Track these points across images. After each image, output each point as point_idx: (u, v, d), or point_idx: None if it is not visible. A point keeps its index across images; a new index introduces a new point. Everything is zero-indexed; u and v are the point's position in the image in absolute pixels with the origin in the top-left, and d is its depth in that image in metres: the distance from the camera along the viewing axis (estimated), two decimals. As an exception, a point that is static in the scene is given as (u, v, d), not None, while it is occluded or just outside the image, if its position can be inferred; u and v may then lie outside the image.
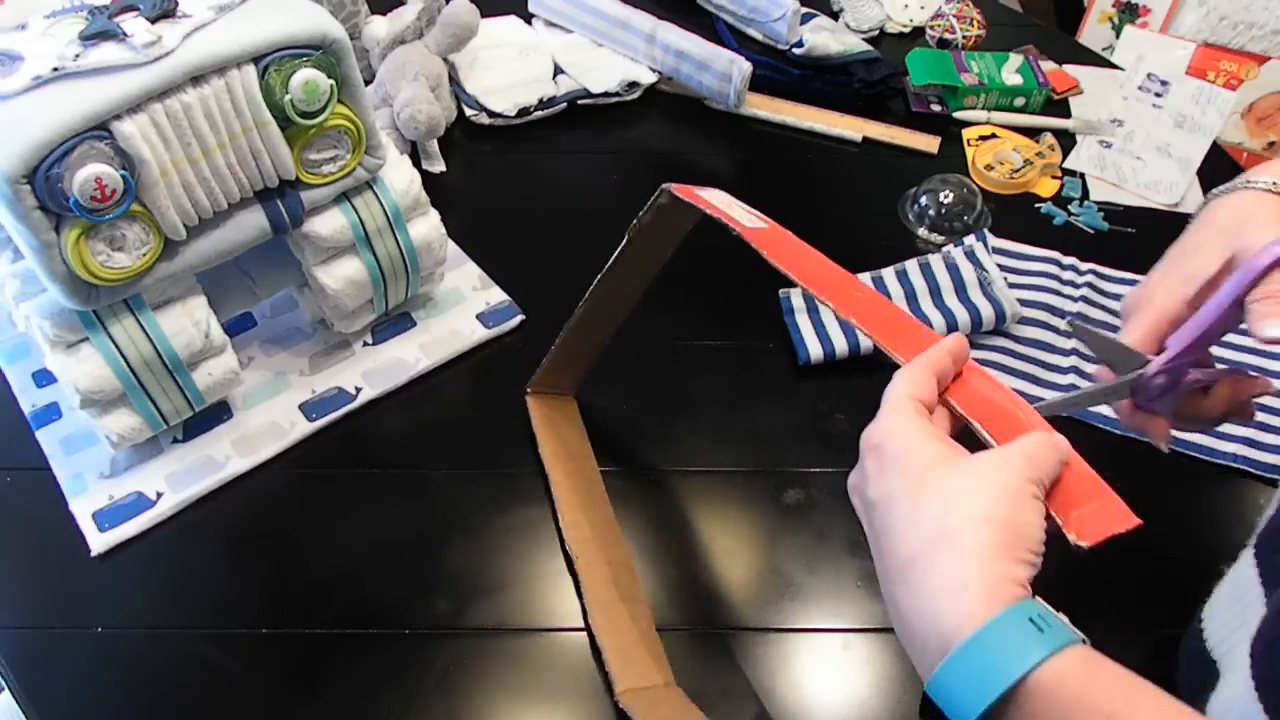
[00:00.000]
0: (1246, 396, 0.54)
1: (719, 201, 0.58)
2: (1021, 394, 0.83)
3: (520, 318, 0.86)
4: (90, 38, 0.60)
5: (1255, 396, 0.54)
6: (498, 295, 0.88)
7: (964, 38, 1.18)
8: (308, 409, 0.79)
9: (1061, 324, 0.86)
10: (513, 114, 1.05)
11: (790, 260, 0.51)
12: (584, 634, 0.67)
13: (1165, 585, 0.69)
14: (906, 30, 1.22)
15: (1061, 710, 0.34)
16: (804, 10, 1.15)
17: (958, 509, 0.38)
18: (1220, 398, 0.53)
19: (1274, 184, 0.51)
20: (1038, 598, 0.37)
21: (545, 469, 0.74)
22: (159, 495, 0.73)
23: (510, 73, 1.09)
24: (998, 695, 0.35)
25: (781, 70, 1.12)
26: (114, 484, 0.73)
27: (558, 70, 1.11)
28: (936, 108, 1.10)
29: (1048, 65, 1.14)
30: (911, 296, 0.87)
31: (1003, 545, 0.37)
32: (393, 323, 0.85)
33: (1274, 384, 0.49)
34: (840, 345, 0.83)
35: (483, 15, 1.04)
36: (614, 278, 0.67)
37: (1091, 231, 0.97)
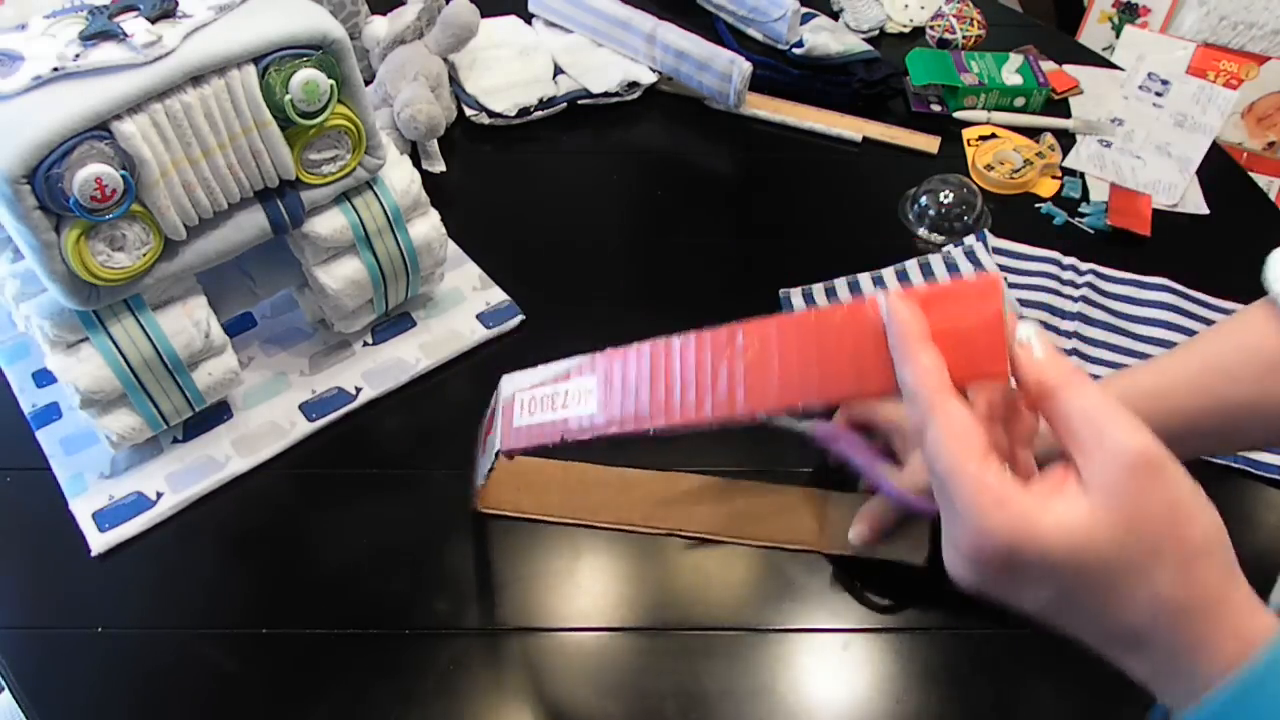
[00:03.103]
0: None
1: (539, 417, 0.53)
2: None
3: (520, 318, 0.86)
4: (90, 38, 0.60)
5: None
6: (498, 295, 0.88)
7: (964, 38, 1.18)
8: (308, 409, 0.79)
9: (1062, 324, 0.86)
10: (513, 114, 1.05)
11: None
12: (584, 634, 0.67)
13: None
14: (906, 30, 1.22)
15: None
16: (804, 10, 1.15)
17: (1157, 574, 0.34)
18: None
19: None
20: None
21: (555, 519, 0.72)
22: (159, 495, 0.73)
23: (510, 73, 1.09)
24: None
25: (781, 70, 1.12)
26: (114, 484, 0.73)
27: (558, 70, 1.11)
28: (936, 108, 1.10)
29: (1048, 65, 1.14)
30: (911, 296, 0.87)
31: (1219, 575, 0.34)
32: (393, 323, 0.85)
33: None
34: (840, 345, 0.83)
35: (483, 15, 1.04)
36: None
37: (1092, 232, 0.97)
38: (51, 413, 0.78)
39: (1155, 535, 0.34)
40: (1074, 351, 0.84)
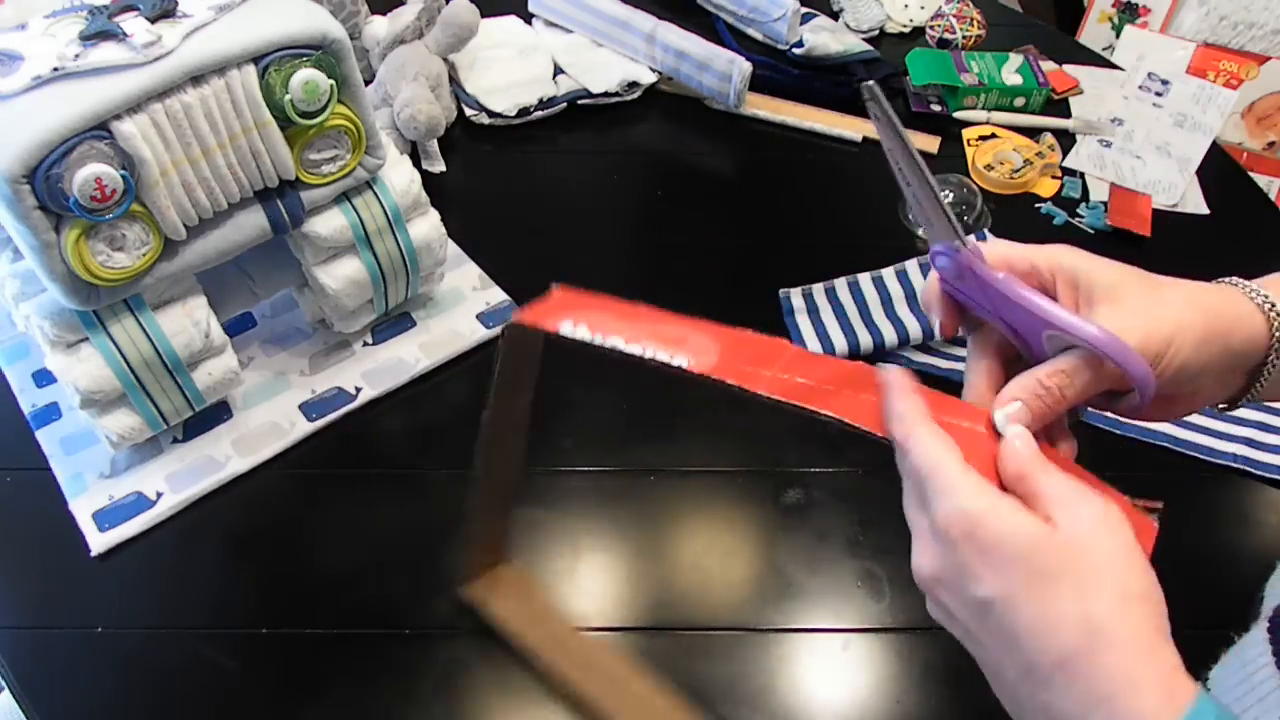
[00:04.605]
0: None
1: (590, 320, 0.50)
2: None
3: (520, 318, 0.86)
4: (90, 38, 0.60)
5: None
6: (498, 295, 0.88)
7: (964, 38, 1.18)
8: (308, 409, 0.79)
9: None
10: (513, 114, 1.05)
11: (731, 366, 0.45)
12: (583, 634, 0.67)
13: (1164, 586, 0.69)
14: (906, 30, 1.22)
15: None
16: (804, 10, 1.15)
17: (1096, 595, 0.35)
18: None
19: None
20: (1205, 690, 0.35)
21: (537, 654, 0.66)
22: (159, 495, 0.73)
23: (510, 73, 1.09)
24: None
25: (781, 70, 1.12)
26: (114, 484, 0.73)
27: (558, 70, 1.11)
28: (936, 108, 1.10)
29: (1048, 65, 1.14)
30: (911, 296, 0.87)
31: (1153, 625, 0.35)
32: (393, 323, 0.85)
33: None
34: (840, 345, 0.83)
35: (483, 15, 1.04)
36: (491, 445, 0.60)
37: (1092, 231, 0.97)
38: (51, 413, 0.78)
39: (1102, 565, 0.35)
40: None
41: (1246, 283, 0.45)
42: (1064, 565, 0.35)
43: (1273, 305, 0.43)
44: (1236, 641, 0.50)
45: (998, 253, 0.44)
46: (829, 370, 0.44)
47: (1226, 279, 0.46)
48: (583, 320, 0.50)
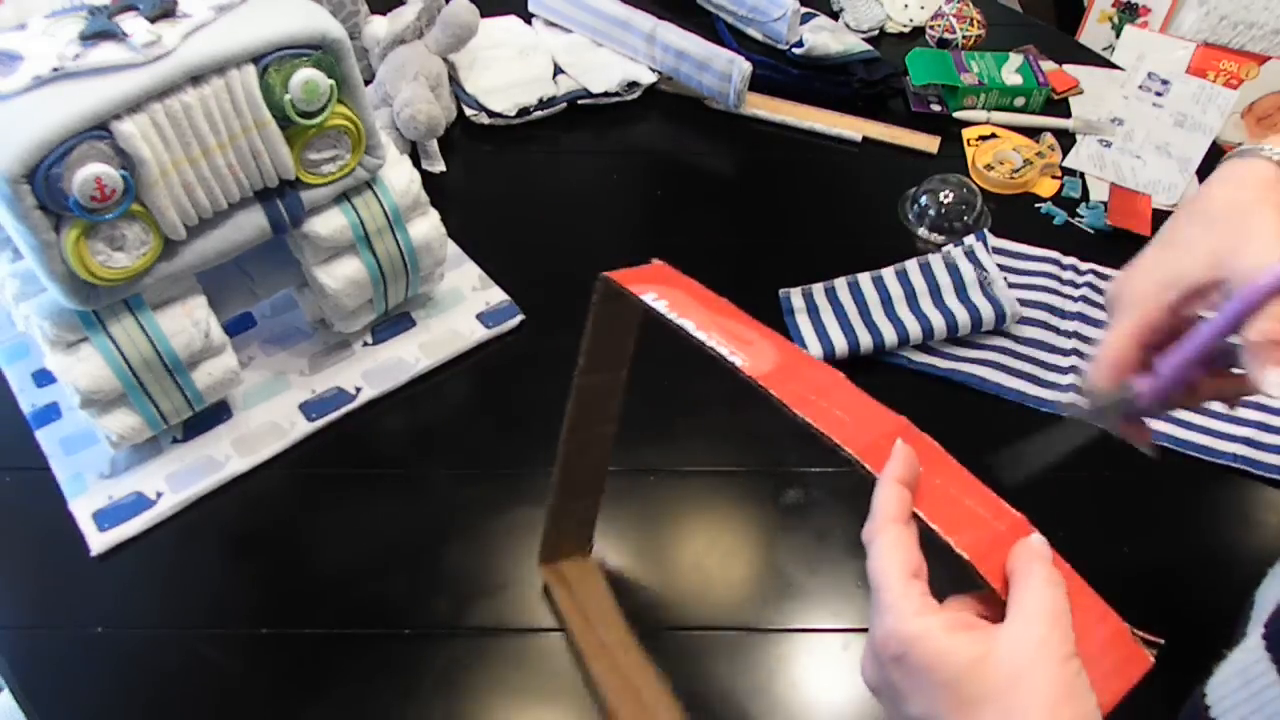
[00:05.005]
0: (1232, 394, 0.51)
1: (672, 298, 0.51)
2: (1021, 394, 0.83)
3: (520, 318, 0.86)
4: (90, 37, 0.60)
5: (1242, 394, 0.51)
6: (498, 295, 0.88)
7: (964, 38, 1.18)
8: (308, 409, 0.79)
9: (1062, 324, 0.86)
10: (513, 114, 1.05)
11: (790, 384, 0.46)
12: (584, 634, 0.67)
13: (1164, 586, 0.69)
14: (906, 30, 1.22)
15: None
16: (804, 10, 1.15)
17: None
18: (1204, 394, 0.51)
19: None
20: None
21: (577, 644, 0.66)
22: (159, 495, 0.73)
23: (510, 73, 1.09)
24: None
25: (781, 70, 1.12)
26: (114, 484, 0.73)
27: (558, 70, 1.11)
28: (936, 108, 1.10)
29: (1048, 65, 1.14)
30: (911, 296, 0.87)
31: None
32: (393, 323, 0.85)
33: (1263, 382, 0.43)
34: (840, 345, 0.83)
35: (483, 15, 1.04)
36: (579, 413, 0.59)
37: (1092, 231, 0.97)
38: (51, 413, 0.78)
39: (1031, 694, 0.35)
40: (1074, 351, 0.84)
41: (1262, 147, 0.48)
42: (991, 693, 0.36)
43: None
44: (1228, 654, 0.49)
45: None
46: (868, 417, 0.44)
47: (1234, 152, 0.49)
48: (666, 296, 0.51)
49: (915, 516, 0.41)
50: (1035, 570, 0.38)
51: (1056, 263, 0.91)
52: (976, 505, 0.41)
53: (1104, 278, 0.91)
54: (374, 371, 0.82)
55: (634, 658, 0.64)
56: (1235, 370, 0.49)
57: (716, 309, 0.50)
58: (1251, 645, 0.47)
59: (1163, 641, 0.38)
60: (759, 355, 0.46)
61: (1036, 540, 0.39)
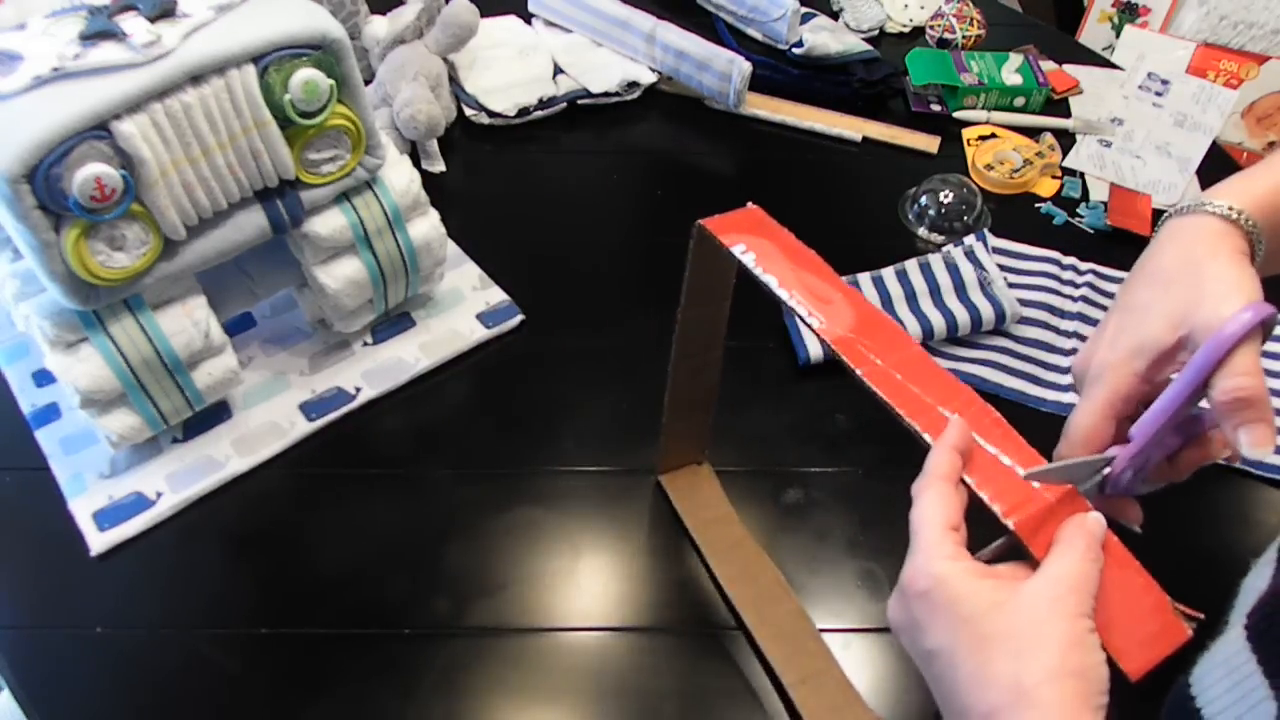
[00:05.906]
0: (1213, 458, 0.49)
1: (763, 248, 0.52)
2: (1022, 394, 0.83)
3: (520, 318, 0.86)
4: (90, 37, 0.60)
5: (1224, 455, 0.49)
6: (498, 295, 0.88)
7: (964, 38, 1.18)
8: (307, 409, 0.79)
9: (1062, 324, 0.86)
10: (513, 114, 1.05)
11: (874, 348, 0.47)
12: (584, 634, 0.67)
13: (1162, 585, 0.69)
14: (906, 30, 1.22)
15: None
16: (804, 10, 1.15)
17: (1029, 664, 0.38)
18: (1187, 464, 0.49)
19: (1230, 210, 0.47)
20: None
21: (700, 546, 0.71)
22: (159, 495, 0.73)
23: (510, 73, 1.09)
24: None
25: (781, 70, 1.12)
26: (114, 484, 0.73)
27: (558, 70, 1.11)
28: (936, 108, 1.10)
29: (1048, 65, 1.14)
30: (911, 296, 0.87)
31: (1081, 696, 0.37)
32: (393, 323, 0.85)
33: (1242, 447, 0.42)
34: (840, 345, 0.83)
35: (483, 15, 1.04)
36: (684, 343, 0.63)
37: (1092, 231, 0.97)
38: (51, 413, 0.78)
39: (1042, 640, 0.38)
40: (1074, 351, 0.84)
41: (1205, 203, 0.48)
42: (1005, 632, 0.39)
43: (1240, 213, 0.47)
44: (1210, 646, 0.49)
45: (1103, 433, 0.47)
46: (934, 386, 0.46)
47: (1176, 210, 0.49)
48: (754, 249, 0.52)
49: (964, 484, 0.43)
50: (1076, 543, 0.40)
51: (1056, 263, 0.91)
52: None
53: (1104, 277, 0.91)
54: (374, 371, 0.82)
55: (750, 549, 0.70)
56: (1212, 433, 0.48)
57: (802, 263, 0.52)
58: (1233, 636, 0.48)
59: (1203, 616, 0.40)
60: (836, 316, 0.48)
61: (1092, 518, 0.41)
